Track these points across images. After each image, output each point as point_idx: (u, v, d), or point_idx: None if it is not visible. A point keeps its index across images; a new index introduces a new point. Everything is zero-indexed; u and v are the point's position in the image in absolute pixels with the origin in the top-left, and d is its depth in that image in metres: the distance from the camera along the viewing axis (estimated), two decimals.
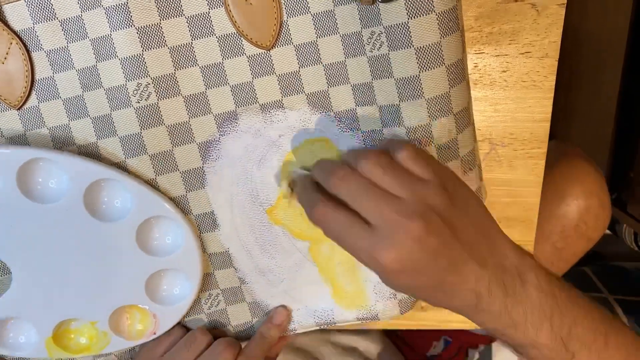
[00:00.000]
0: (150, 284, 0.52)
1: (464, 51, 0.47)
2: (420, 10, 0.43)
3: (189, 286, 0.52)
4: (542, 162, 0.54)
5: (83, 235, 0.49)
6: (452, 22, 0.44)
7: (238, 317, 0.55)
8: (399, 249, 0.39)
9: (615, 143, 0.86)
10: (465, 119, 0.48)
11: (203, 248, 0.52)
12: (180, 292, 0.53)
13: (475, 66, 0.51)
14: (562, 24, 0.50)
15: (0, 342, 0.52)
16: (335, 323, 0.55)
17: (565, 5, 0.49)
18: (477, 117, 0.53)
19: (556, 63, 0.51)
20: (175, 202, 0.50)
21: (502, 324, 0.42)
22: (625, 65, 0.79)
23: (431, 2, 0.43)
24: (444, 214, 0.40)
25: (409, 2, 0.43)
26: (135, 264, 0.51)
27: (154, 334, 0.54)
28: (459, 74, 0.46)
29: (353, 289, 0.54)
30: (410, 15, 0.43)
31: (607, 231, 1.16)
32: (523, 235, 0.56)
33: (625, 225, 1.07)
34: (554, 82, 0.52)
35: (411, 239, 0.38)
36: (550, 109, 0.52)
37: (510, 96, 0.52)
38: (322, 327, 0.55)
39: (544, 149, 0.54)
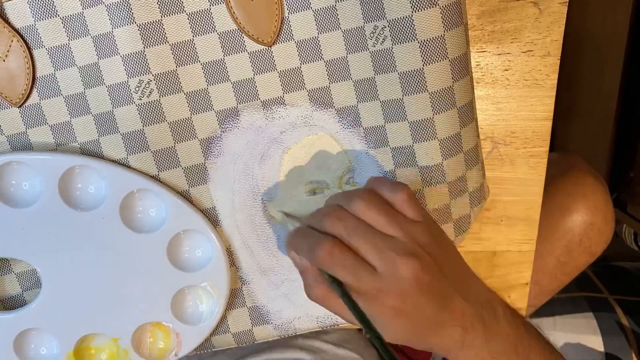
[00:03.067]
0: (177, 300, 0.52)
1: (467, 46, 0.47)
2: (425, 3, 0.44)
3: (214, 305, 0.52)
4: (544, 161, 0.54)
5: (115, 246, 0.50)
6: (456, 16, 0.45)
7: (238, 324, 0.55)
8: (400, 291, 0.40)
9: (615, 143, 0.86)
10: (468, 113, 0.49)
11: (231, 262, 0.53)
12: (205, 310, 0.53)
13: (477, 65, 0.51)
14: (564, 22, 0.50)
15: (21, 352, 0.52)
16: (339, 324, 0.55)
17: (567, 3, 0.49)
18: (479, 116, 0.53)
19: (558, 61, 0.51)
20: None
21: (481, 358, 0.44)
22: (626, 65, 0.79)
23: None
24: (432, 252, 0.42)
25: None
26: (163, 278, 0.51)
27: (176, 355, 0.54)
28: (462, 68, 0.47)
29: None
30: (415, 9, 0.44)
31: None
32: (525, 234, 0.56)
33: (625, 225, 1.07)
34: (555, 81, 0.52)
35: (408, 277, 0.40)
36: (552, 107, 0.53)
37: (512, 95, 0.52)
38: (324, 328, 0.55)
39: (545, 147, 0.54)
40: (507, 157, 0.54)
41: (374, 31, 0.45)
